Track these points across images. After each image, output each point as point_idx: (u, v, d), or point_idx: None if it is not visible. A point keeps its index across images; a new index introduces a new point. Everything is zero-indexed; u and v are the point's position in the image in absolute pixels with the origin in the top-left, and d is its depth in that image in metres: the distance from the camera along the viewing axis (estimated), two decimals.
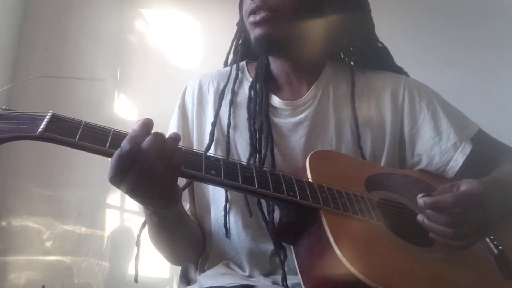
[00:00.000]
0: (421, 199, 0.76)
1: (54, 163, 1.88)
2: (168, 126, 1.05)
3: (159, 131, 0.66)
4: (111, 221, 2.03)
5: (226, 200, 0.91)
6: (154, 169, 0.63)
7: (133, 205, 2.01)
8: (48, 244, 1.92)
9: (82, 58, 2.04)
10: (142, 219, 0.87)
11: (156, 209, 0.76)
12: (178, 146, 0.66)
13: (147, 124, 0.66)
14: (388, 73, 1.03)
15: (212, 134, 0.95)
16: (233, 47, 1.08)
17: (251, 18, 0.91)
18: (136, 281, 0.80)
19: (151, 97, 2.09)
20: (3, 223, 1.90)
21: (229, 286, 0.83)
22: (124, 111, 2.09)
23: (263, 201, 0.88)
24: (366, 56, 1.06)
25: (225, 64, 1.09)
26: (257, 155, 0.89)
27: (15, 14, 2.00)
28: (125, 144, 0.62)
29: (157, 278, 1.95)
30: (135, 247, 0.86)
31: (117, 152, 0.62)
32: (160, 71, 2.12)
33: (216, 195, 0.94)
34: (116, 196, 2.04)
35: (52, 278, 1.89)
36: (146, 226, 0.88)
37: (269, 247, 0.88)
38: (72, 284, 1.91)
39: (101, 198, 2.01)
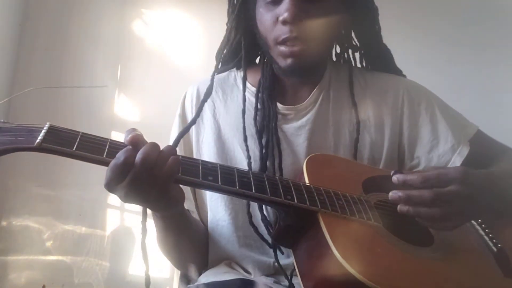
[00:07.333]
0: (394, 176, 0.76)
1: (54, 163, 1.87)
2: (168, 126, 1.04)
3: (154, 142, 0.68)
4: (111, 221, 2.03)
5: (227, 211, 0.91)
6: (145, 179, 0.66)
7: (133, 205, 2.00)
8: (48, 244, 1.92)
9: (82, 58, 2.04)
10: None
11: (155, 212, 0.79)
12: (173, 156, 0.68)
13: (138, 136, 0.68)
14: (388, 75, 1.03)
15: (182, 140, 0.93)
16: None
17: (286, 48, 0.88)
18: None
19: (151, 98, 2.09)
20: (4, 223, 1.91)
21: (228, 279, 0.84)
22: (125, 111, 2.09)
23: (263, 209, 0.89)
24: (369, 57, 1.05)
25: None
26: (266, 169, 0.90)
27: (15, 14, 2.00)
28: (120, 154, 0.65)
29: (157, 278, 1.94)
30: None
31: (112, 162, 0.65)
32: (161, 71, 2.12)
33: (214, 203, 0.95)
34: (117, 196, 2.03)
35: (52, 278, 1.89)
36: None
37: (271, 259, 0.89)
38: (72, 284, 1.91)
39: (101, 198, 2.00)
